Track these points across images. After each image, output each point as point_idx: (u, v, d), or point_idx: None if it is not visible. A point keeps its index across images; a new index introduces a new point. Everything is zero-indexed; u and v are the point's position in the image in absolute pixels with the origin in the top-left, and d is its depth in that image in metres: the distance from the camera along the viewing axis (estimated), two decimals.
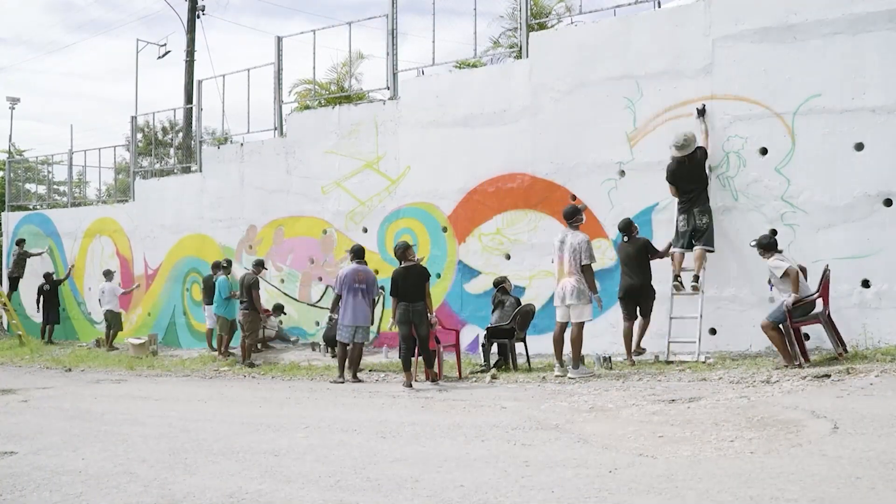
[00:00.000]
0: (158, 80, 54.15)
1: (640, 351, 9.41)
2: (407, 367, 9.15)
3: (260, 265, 12.75)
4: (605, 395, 7.48)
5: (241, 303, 12.42)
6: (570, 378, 8.58)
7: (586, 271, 8.69)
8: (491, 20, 18.32)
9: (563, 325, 8.92)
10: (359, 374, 10.03)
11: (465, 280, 11.72)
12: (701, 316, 9.23)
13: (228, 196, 14.69)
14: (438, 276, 11.85)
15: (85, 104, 69.49)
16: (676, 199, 9.55)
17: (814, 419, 5.66)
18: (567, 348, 8.84)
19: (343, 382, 9.75)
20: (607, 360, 9.25)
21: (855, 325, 8.71)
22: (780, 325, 8.08)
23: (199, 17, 21.67)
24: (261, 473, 5.20)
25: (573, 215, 9.01)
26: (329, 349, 12.22)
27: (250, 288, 12.27)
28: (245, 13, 63.54)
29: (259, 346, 13.02)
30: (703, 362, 8.84)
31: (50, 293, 17.12)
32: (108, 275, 15.82)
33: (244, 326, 12.31)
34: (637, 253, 9.43)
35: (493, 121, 11.45)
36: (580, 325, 8.70)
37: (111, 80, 69.85)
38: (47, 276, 17.25)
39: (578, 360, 8.74)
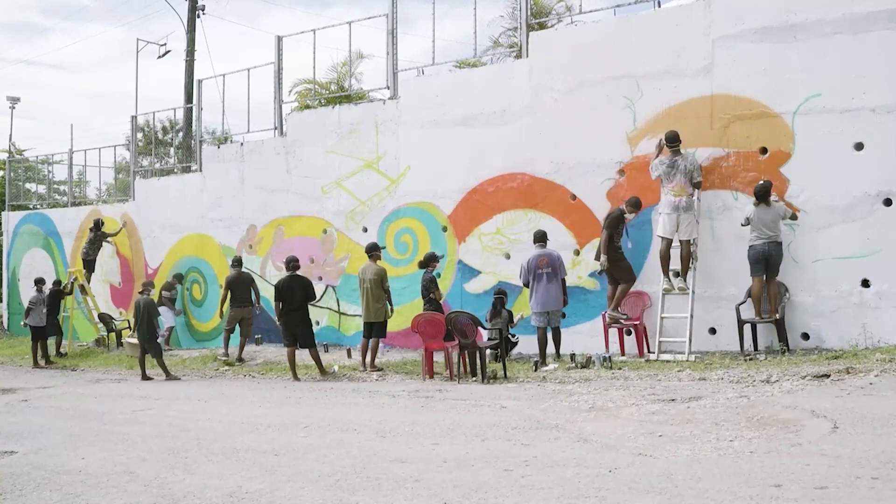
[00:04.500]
0: (156, 75, 53.92)
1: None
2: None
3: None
4: (605, 394, 7.48)
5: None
6: (679, 289, 9.38)
7: (698, 188, 9.47)
8: (491, 19, 18.31)
9: (669, 243, 9.48)
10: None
11: (464, 280, 11.72)
12: (692, 315, 9.25)
13: (228, 195, 14.69)
14: (438, 275, 11.84)
15: (79, 101, 69.25)
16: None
17: (813, 419, 5.66)
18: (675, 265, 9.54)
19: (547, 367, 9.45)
20: (607, 359, 9.25)
21: (855, 324, 8.72)
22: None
23: (198, 16, 21.64)
24: (261, 473, 5.20)
25: (677, 139, 9.47)
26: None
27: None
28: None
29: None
30: (690, 360, 8.91)
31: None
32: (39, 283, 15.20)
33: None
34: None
35: (493, 121, 11.45)
36: (688, 243, 9.38)
37: (104, 73, 69.53)
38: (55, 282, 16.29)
39: (686, 274, 9.41)
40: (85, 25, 65.80)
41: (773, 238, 8.93)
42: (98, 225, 16.30)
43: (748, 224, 9.04)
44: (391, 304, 10.80)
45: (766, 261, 8.93)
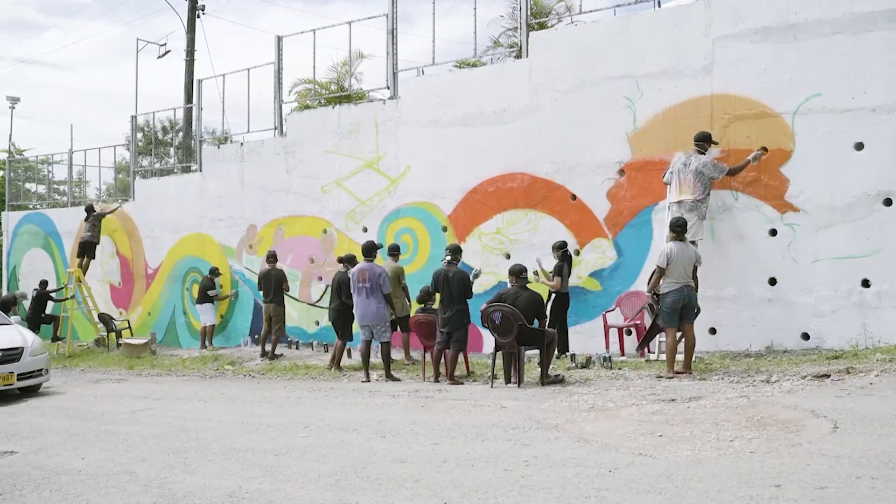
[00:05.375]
0: (157, 74, 53.78)
1: None
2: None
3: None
4: (605, 394, 7.48)
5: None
6: None
7: (737, 173, 9.29)
8: (492, 19, 18.33)
9: None
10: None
11: None
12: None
13: (228, 195, 14.69)
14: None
15: (77, 100, 68.97)
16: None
17: (814, 419, 5.66)
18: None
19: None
20: (607, 359, 9.26)
21: (855, 324, 8.72)
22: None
23: (198, 16, 21.63)
24: (261, 473, 5.20)
25: (706, 139, 9.39)
26: None
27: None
28: None
29: None
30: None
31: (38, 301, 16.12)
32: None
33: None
34: None
35: (492, 120, 11.45)
36: (692, 244, 9.03)
37: (102, 72, 69.15)
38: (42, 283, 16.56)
39: None
40: (82, 24, 65.68)
41: (689, 282, 8.26)
42: (90, 209, 16.31)
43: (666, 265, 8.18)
44: (409, 300, 11.08)
45: (684, 308, 8.22)
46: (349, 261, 10.77)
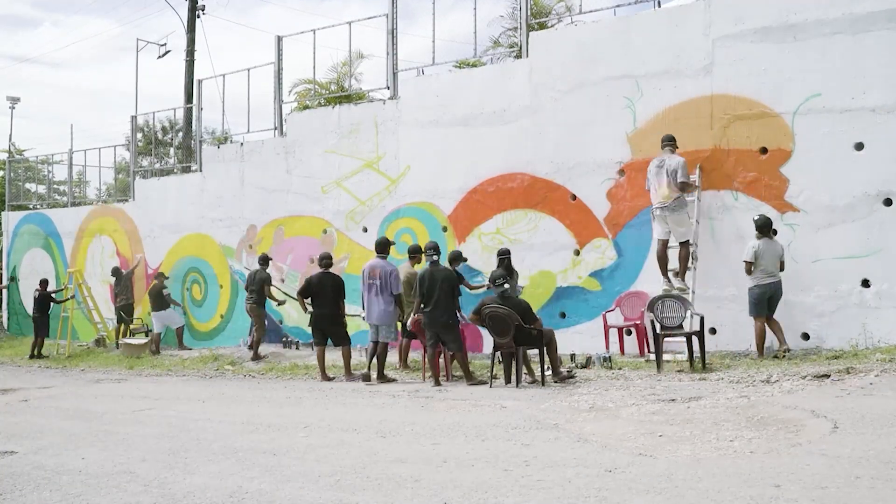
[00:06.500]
0: (157, 74, 53.57)
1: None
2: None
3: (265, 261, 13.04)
4: (605, 394, 7.48)
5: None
6: (679, 289, 9.24)
7: (685, 188, 9.29)
8: (492, 19, 18.33)
9: (665, 243, 9.46)
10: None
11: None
12: (692, 315, 9.24)
13: (228, 196, 14.69)
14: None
15: (75, 99, 68.84)
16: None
17: (814, 419, 5.66)
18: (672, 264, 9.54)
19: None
20: (607, 360, 9.26)
21: (855, 324, 8.72)
22: None
23: (198, 16, 21.63)
24: (261, 473, 5.20)
25: (673, 139, 9.52)
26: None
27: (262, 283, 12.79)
28: None
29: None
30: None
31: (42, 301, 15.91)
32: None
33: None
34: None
35: (493, 120, 11.45)
36: (687, 244, 9.36)
37: (100, 70, 68.92)
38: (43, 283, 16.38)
39: (685, 274, 9.37)
40: (81, 22, 65.57)
41: (777, 277, 8.84)
42: (117, 272, 15.82)
43: (753, 262, 8.78)
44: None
45: (770, 300, 8.83)
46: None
